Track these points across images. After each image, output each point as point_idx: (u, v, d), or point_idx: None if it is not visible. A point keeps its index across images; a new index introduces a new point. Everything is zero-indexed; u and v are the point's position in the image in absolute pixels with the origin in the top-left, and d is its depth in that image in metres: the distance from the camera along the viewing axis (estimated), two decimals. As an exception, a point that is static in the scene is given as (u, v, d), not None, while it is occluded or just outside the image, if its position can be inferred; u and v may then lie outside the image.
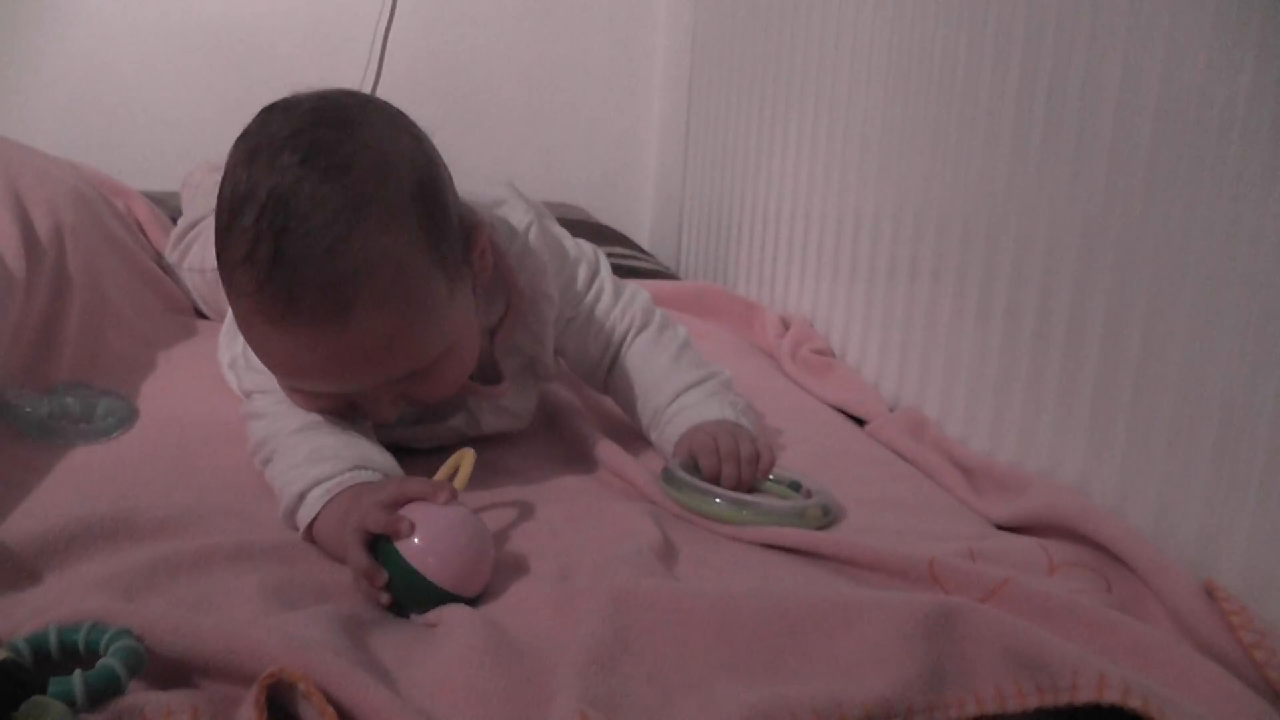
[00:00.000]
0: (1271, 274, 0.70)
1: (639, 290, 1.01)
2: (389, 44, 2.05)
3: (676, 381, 0.95)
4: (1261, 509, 0.71)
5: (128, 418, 0.92)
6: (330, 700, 0.54)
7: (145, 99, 1.98)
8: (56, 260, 1.00)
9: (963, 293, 1.04)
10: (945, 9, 1.08)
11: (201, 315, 1.24)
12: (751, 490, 0.89)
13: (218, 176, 1.13)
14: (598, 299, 0.97)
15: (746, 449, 0.89)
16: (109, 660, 0.54)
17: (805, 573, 0.75)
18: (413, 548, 0.69)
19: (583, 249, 0.99)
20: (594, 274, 0.98)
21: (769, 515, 0.82)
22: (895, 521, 0.85)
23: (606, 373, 0.98)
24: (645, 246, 1.92)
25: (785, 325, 1.36)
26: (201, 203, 1.27)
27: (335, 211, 0.72)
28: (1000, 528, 0.88)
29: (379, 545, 0.70)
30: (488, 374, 0.92)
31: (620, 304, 0.98)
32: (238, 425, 0.93)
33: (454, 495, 0.72)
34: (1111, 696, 0.58)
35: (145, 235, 1.27)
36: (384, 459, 0.80)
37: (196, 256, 1.19)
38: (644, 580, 0.67)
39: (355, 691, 0.55)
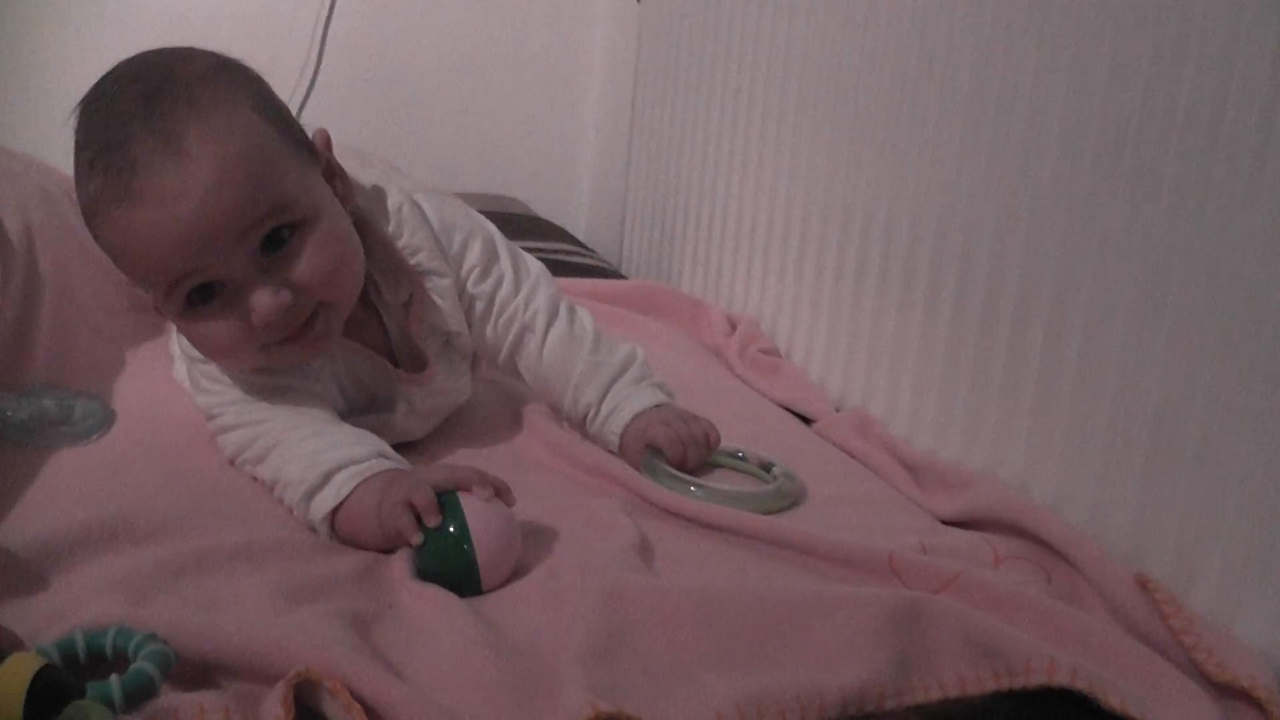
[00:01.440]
0: (1204, 281, 0.76)
1: (541, 272, 1.02)
2: (329, 36, 2.06)
3: (603, 374, 0.98)
4: (1190, 507, 0.77)
5: (106, 419, 0.93)
6: (354, 696, 0.58)
7: (82, 88, 1.96)
8: (27, 260, 1.01)
9: (909, 293, 1.09)
10: (896, 6, 1.12)
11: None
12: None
13: None
14: (498, 285, 0.98)
15: (697, 430, 0.95)
16: (142, 664, 0.57)
17: (775, 566, 0.80)
18: (476, 513, 0.75)
19: (477, 224, 1.00)
20: (492, 256, 0.99)
21: (748, 500, 0.89)
22: (851, 518, 0.91)
23: (513, 358, 1.00)
24: (582, 239, 1.96)
25: (732, 324, 1.40)
26: None
27: (148, 83, 0.79)
28: (946, 522, 0.94)
29: (442, 498, 0.76)
30: (415, 360, 0.96)
31: (524, 292, 0.99)
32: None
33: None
34: (1061, 679, 0.65)
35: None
36: (395, 453, 0.84)
37: None
38: (632, 578, 0.72)
39: (378, 688, 0.59)
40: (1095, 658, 0.69)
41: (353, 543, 0.80)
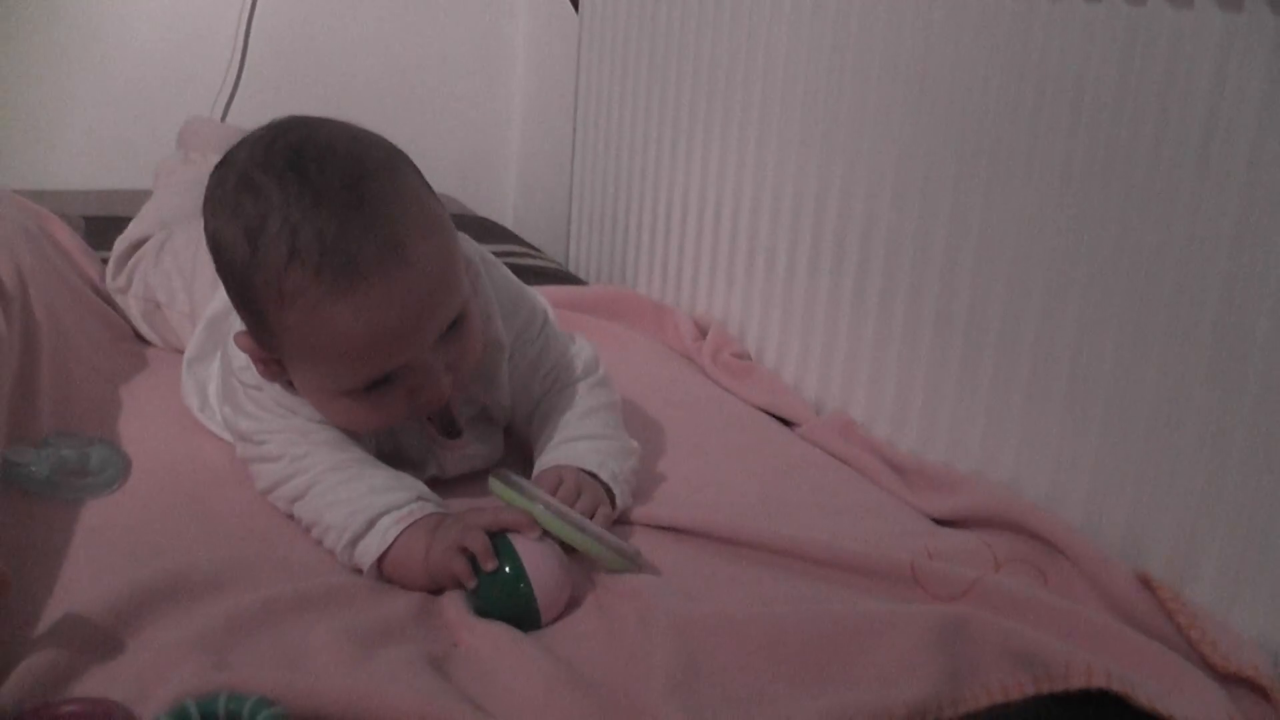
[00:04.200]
0: (1198, 279, 0.82)
1: (586, 342, 1.05)
2: (252, 33, 2.04)
3: (581, 428, 0.96)
4: (1187, 505, 0.83)
5: (124, 467, 0.94)
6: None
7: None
8: (23, 305, 1.00)
9: (891, 293, 1.12)
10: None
11: (140, 338, 1.24)
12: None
13: (184, 174, 1.16)
14: (547, 344, 1.00)
15: (585, 503, 0.88)
16: (267, 730, 0.59)
17: (807, 583, 0.85)
18: (529, 551, 0.78)
19: (535, 295, 1.03)
20: (544, 320, 1.01)
21: (592, 539, 0.82)
22: (855, 526, 0.95)
23: (533, 411, 1.01)
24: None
25: (699, 328, 1.42)
26: (151, 210, 1.26)
27: (344, 166, 0.79)
28: (938, 522, 0.99)
29: (494, 540, 0.78)
30: (447, 426, 0.97)
31: (571, 352, 1.02)
32: (228, 466, 0.96)
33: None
34: (1098, 682, 0.71)
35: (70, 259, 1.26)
36: (434, 494, 0.86)
37: (140, 285, 1.20)
38: (695, 608, 0.76)
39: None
40: (1109, 654, 0.75)
41: (399, 585, 0.83)
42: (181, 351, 1.14)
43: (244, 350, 0.86)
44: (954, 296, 1.05)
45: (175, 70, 2.00)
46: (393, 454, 0.95)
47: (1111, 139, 0.88)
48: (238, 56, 2.04)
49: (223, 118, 2.04)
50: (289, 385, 0.88)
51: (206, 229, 0.84)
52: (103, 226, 1.46)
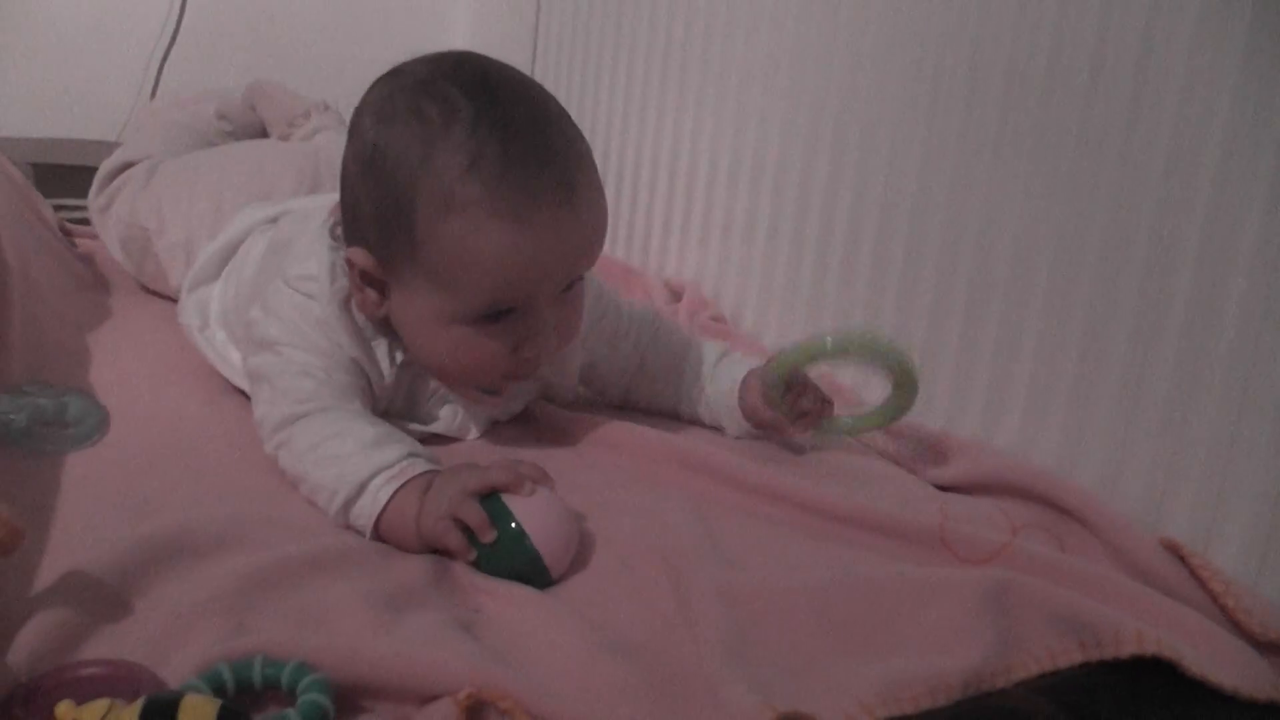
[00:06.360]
0: (1217, 247, 0.80)
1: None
2: (193, -20, 1.95)
3: (713, 350, 1.03)
4: (1210, 467, 0.82)
5: (102, 418, 0.88)
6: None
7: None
8: (-5, 249, 0.94)
9: (885, 251, 1.09)
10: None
11: (99, 281, 1.18)
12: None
13: (172, 114, 1.13)
14: (614, 301, 1.01)
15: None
16: (315, 696, 0.55)
17: (841, 549, 0.82)
18: (524, 508, 0.74)
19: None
20: (600, 285, 1.00)
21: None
22: (869, 491, 0.93)
23: (636, 370, 1.02)
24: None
25: (673, 291, 1.39)
26: (142, 140, 1.22)
27: (531, 103, 0.82)
28: (941, 488, 0.98)
29: (486, 503, 0.75)
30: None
31: (628, 307, 1.02)
32: (211, 419, 0.92)
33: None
34: (1148, 649, 0.69)
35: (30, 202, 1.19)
36: (424, 449, 0.83)
37: (125, 208, 1.14)
38: (737, 576, 0.73)
39: (546, 705, 0.58)
40: (1146, 621, 0.74)
41: (396, 547, 0.79)
42: (148, 288, 1.16)
43: (357, 265, 0.84)
44: (955, 249, 1.01)
45: (113, 19, 1.91)
46: (405, 409, 0.92)
47: (1088, 106, 0.87)
48: (175, 11, 1.96)
49: (159, 69, 1.96)
50: (376, 318, 0.87)
51: (363, 137, 0.83)
52: (45, 174, 1.40)
